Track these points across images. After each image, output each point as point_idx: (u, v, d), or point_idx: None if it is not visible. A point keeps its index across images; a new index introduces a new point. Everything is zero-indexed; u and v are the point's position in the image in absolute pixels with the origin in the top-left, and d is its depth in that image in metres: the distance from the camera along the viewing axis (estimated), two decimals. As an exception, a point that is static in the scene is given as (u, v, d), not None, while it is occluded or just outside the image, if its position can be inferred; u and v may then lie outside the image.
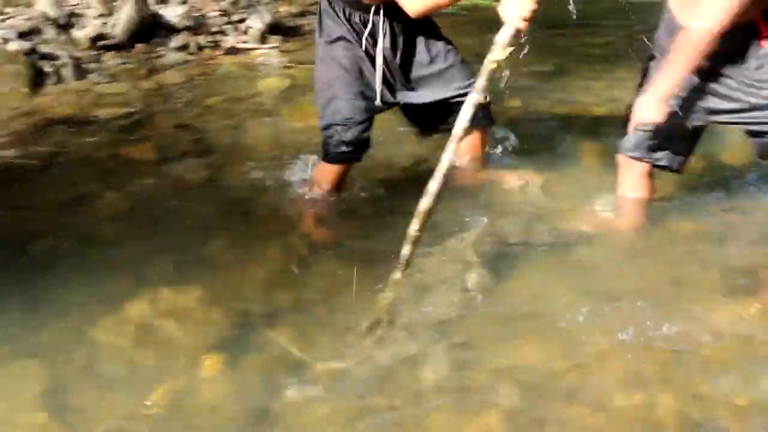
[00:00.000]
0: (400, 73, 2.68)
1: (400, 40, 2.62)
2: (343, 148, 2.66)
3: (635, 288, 2.40)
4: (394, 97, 2.72)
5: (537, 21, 2.18)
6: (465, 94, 2.33)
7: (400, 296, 2.26)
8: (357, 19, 2.56)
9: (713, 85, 2.35)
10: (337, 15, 2.57)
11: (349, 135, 2.63)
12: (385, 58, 2.60)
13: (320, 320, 2.22)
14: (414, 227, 2.20)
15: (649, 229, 2.73)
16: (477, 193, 2.92)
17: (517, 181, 2.97)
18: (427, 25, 2.69)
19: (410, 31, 2.64)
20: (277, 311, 2.27)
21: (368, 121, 2.68)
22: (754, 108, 2.32)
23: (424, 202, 2.19)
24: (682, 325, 2.21)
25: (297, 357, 2.06)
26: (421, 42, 2.69)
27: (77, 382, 2.00)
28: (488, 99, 2.61)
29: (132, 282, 2.38)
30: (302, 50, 4.88)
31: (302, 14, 5.58)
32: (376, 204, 2.86)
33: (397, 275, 2.26)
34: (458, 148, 2.23)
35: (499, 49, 2.14)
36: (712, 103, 2.38)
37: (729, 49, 2.24)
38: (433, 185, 2.18)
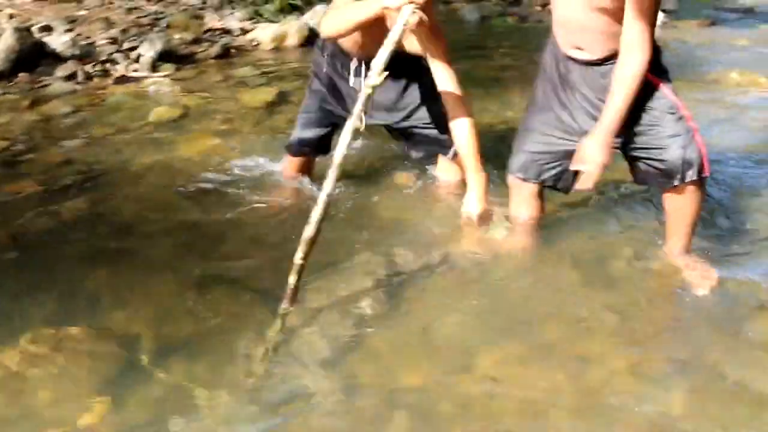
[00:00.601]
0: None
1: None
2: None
3: (526, 309, 2.47)
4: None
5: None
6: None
7: (290, 326, 2.24)
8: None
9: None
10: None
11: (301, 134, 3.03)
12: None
13: (209, 354, 2.17)
14: (299, 256, 2.20)
15: (538, 250, 2.83)
16: (370, 218, 2.95)
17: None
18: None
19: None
20: (164, 347, 2.20)
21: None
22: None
23: (308, 231, 2.19)
24: (571, 344, 2.30)
25: (185, 394, 2.01)
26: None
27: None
28: None
29: (8, 322, 2.27)
30: (195, 78, 4.84)
31: (196, 41, 5.53)
32: (269, 233, 2.85)
33: (284, 305, 2.25)
34: (337, 177, 2.24)
35: (375, 75, 2.20)
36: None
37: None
38: (316, 213, 2.20)
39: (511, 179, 2.75)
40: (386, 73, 2.23)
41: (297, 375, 2.08)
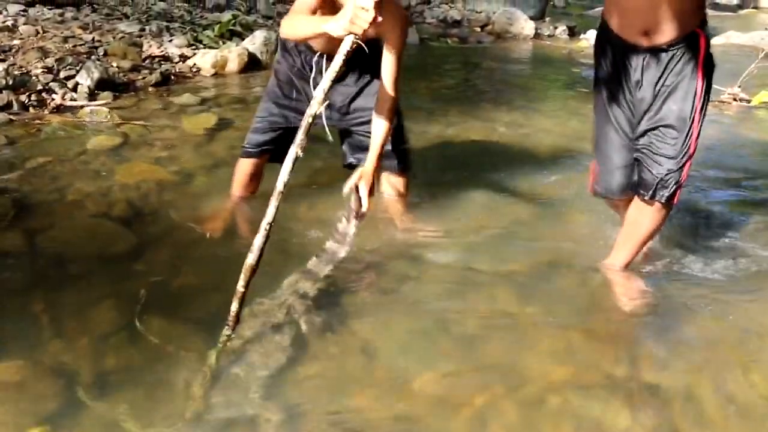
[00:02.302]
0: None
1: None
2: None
3: (463, 326, 2.51)
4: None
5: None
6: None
7: (230, 353, 2.22)
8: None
9: None
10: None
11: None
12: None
13: (148, 384, 2.14)
14: (240, 283, 2.20)
15: (476, 266, 2.88)
16: (303, 238, 2.96)
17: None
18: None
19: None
20: (102, 379, 2.16)
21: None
22: None
23: (249, 258, 2.20)
24: (510, 359, 2.34)
25: (125, 426, 1.97)
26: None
27: None
28: (407, 145, 3.13)
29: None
30: (134, 106, 4.79)
31: (135, 69, 5.48)
32: (209, 260, 2.83)
33: (226, 332, 2.23)
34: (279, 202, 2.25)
35: (315, 104, 2.22)
36: None
37: None
38: (257, 240, 2.20)
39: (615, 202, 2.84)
40: (327, 102, 2.25)
41: (237, 402, 2.06)
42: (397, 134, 3.04)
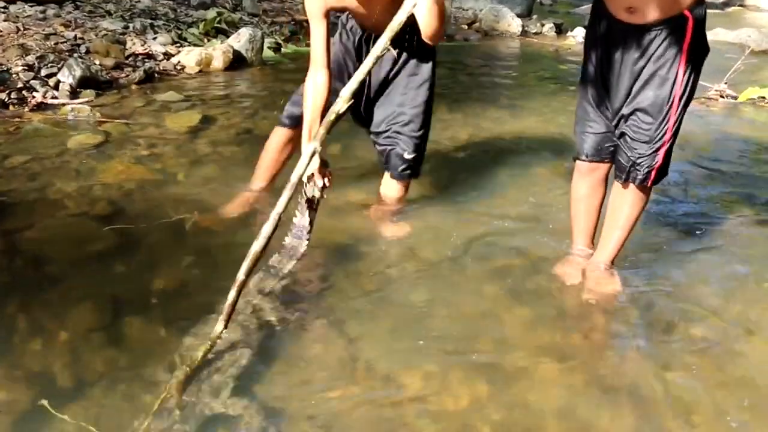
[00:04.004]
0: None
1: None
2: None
3: (449, 325, 2.49)
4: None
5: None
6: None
7: (213, 351, 2.17)
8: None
9: None
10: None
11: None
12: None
13: (126, 385, 2.10)
14: (242, 271, 2.15)
15: (463, 264, 2.85)
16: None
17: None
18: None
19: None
20: (79, 381, 2.11)
21: None
22: None
23: (256, 245, 2.16)
24: (495, 359, 2.31)
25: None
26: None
27: None
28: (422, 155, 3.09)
29: None
30: (116, 104, 4.73)
31: (118, 67, 5.42)
32: (191, 260, 2.79)
33: (219, 327, 2.16)
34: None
35: (341, 102, 2.19)
36: None
37: None
38: (266, 228, 2.17)
39: (580, 164, 2.80)
40: (352, 101, 2.22)
41: (217, 403, 2.03)
42: (420, 142, 3.03)
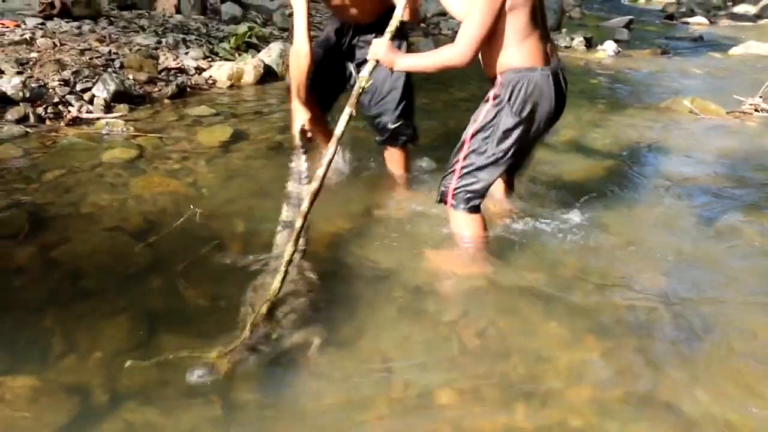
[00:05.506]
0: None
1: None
2: None
3: (483, 342, 2.46)
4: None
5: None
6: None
7: (241, 367, 2.17)
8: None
9: None
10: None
11: None
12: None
13: (163, 400, 2.11)
14: (305, 204, 2.52)
15: (497, 279, 2.83)
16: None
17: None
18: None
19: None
20: (118, 395, 2.12)
21: None
22: None
23: (314, 185, 2.52)
24: (530, 378, 2.29)
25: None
26: None
27: None
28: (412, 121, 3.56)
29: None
30: (150, 118, 4.79)
31: (151, 81, 5.49)
32: (224, 274, 2.80)
33: (263, 309, 2.27)
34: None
35: (363, 80, 2.72)
36: None
37: None
38: (322, 170, 2.53)
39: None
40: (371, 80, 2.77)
41: (255, 416, 2.03)
42: (405, 109, 3.40)
